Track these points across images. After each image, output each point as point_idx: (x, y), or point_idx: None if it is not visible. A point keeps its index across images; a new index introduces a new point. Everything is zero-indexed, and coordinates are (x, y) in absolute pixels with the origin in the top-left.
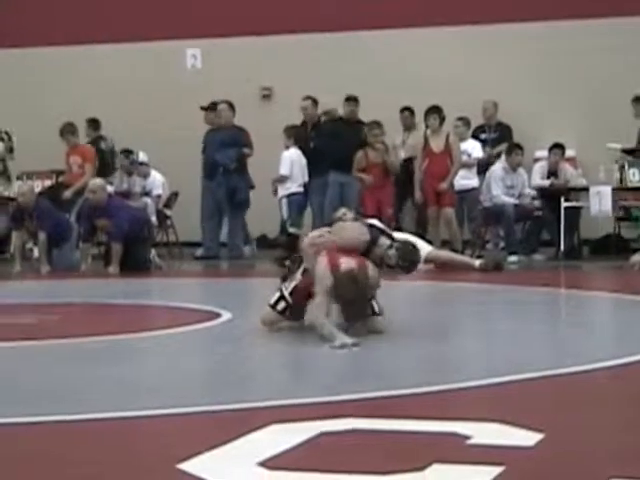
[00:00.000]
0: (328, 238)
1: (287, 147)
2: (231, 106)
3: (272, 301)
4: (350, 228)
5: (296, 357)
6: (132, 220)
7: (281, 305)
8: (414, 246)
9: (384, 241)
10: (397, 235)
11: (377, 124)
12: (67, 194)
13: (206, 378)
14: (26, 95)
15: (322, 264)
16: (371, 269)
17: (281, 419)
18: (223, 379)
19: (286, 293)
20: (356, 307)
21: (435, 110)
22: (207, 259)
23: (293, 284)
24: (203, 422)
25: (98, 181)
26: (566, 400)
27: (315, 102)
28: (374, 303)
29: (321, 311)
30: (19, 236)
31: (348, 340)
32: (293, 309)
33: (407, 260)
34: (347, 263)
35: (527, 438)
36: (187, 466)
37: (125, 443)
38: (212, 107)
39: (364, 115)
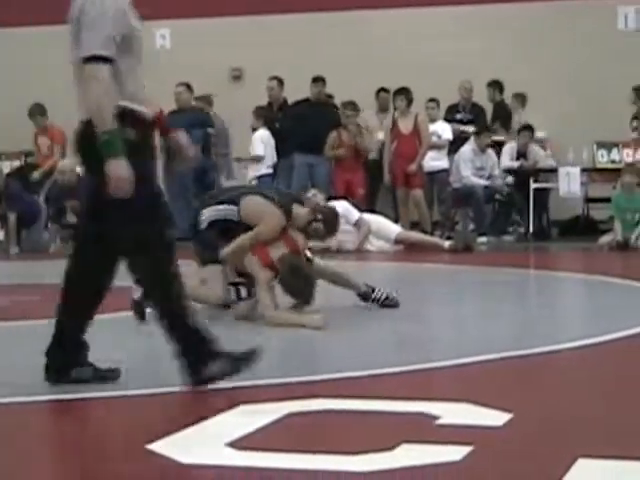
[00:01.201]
0: (244, 239)
1: (254, 128)
2: (189, 87)
3: (234, 296)
4: (268, 217)
5: (263, 339)
6: None
7: (243, 291)
8: (334, 210)
9: (301, 211)
10: (367, 216)
11: (351, 104)
12: (35, 175)
13: (173, 360)
14: None
15: (254, 263)
16: (301, 242)
17: (249, 400)
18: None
19: (237, 279)
20: (308, 288)
21: (402, 92)
22: (180, 241)
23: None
24: (171, 403)
25: (67, 162)
26: (534, 380)
27: (281, 82)
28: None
29: (271, 308)
30: None
31: (317, 320)
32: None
33: (333, 225)
34: (277, 250)
35: (496, 418)
36: (156, 447)
37: (93, 423)
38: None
39: (338, 97)
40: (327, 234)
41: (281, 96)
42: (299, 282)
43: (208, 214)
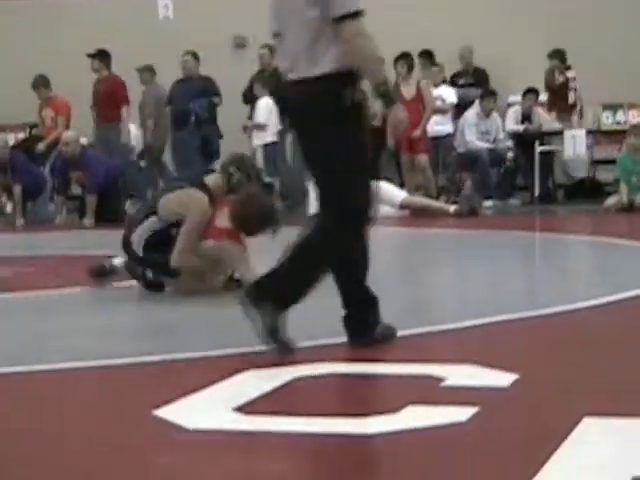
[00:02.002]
0: (183, 236)
1: (257, 96)
2: (195, 56)
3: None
4: (190, 203)
5: None
6: (106, 172)
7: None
8: (241, 155)
9: (215, 178)
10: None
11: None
12: (40, 147)
13: (180, 326)
14: None
15: (215, 246)
16: None
17: (256, 365)
18: (197, 327)
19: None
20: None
21: (403, 57)
22: None
23: None
24: (178, 369)
25: (71, 133)
26: (540, 341)
27: (272, 50)
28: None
29: (185, 251)
30: None
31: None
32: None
33: (251, 168)
34: (222, 218)
35: (501, 379)
36: (163, 412)
37: (99, 391)
38: (101, 54)
39: None
40: (248, 180)
41: (272, 63)
42: (253, 210)
43: (138, 237)
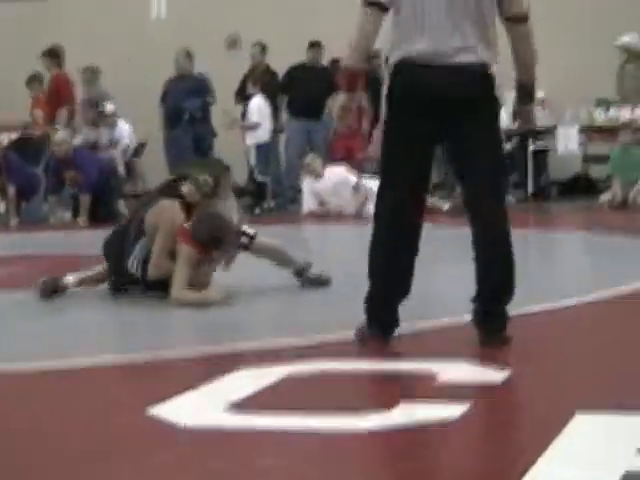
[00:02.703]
0: (159, 242)
1: (250, 95)
2: (188, 55)
3: None
4: (163, 212)
5: (260, 305)
6: (100, 171)
7: None
8: (207, 162)
9: (182, 185)
10: (366, 180)
11: None
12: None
13: (173, 325)
14: None
15: (181, 248)
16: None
17: (249, 363)
18: (189, 326)
19: None
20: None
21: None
22: None
23: None
24: (171, 368)
25: (63, 134)
26: (532, 337)
27: (264, 49)
28: None
29: (180, 287)
30: None
31: (219, 295)
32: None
33: (216, 167)
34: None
35: (493, 375)
36: (157, 411)
37: (92, 389)
38: (51, 53)
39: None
40: (215, 177)
41: (264, 62)
42: (205, 226)
43: (133, 263)
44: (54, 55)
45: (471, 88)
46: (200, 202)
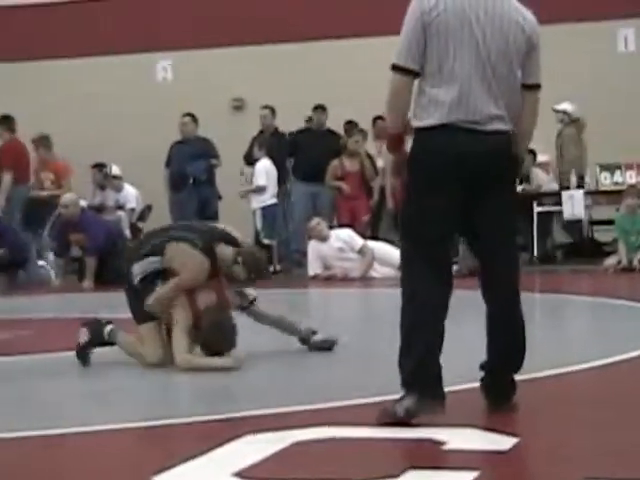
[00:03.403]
0: (166, 288)
1: (256, 159)
2: (193, 118)
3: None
4: (190, 264)
5: (266, 370)
6: (106, 234)
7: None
8: (257, 253)
9: (225, 252)
10: (371, 244)
11: (359, 130)
12: (43, 194)
13: (179, 391)
14: None
15: (181, 302)
16: (231, 295)
17: (254, 429)
18: (195, 392)
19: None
20: (227, 343)
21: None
22: None
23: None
24: (177, 434)
25: (71, 196)
26: (540, 403)
27: (273, 111)
28: None
29: (183, 351)
30: None
31: (231, 361)
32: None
33: (255, 270)
34: (206, 297)
35: (501, 442)
36: (162, 479)
37: (99, 457)
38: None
39: (336, 125)
40: (247, 280)
41: (273, 124)
42: (218, 338)
43: (139, 269)
44: (5, 121)
45: (501, 155)
46: (228, 277)
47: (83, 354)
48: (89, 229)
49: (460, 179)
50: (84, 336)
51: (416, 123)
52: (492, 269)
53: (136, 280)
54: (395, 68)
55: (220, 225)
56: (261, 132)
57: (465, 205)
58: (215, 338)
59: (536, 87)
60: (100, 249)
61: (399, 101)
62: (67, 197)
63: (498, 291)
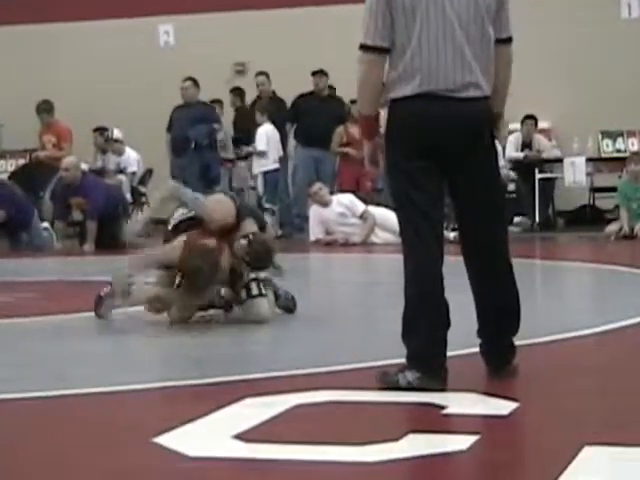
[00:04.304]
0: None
1: (258, 123)
2: (195, 83)
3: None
4: (219, 209)
5: (265, 335)
6: (107, 198)
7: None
8: (265, 248)
9: (247, 225)
10: (372, 209)
11: None
12: (42, 154)
13: (179, 354)
14: None
15: (177, 243)
16: (225, 258)
17: (255, 392)
18: (197, 354)
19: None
20: (198, 284)
21: None
22: None
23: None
24: (177, 397)
25: (71, 159)
26: (540, 369)
27: (268, 76)
28: (253, 285)
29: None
30: None
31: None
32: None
33: (253, 259)
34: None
35: (502, 407)
36: (162, 440)
37: (100, 417)
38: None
39: (342, 91)
40: (242, 259)
41: (270, 90)
42: (197, 264)
43: (176, 216)
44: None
45: (478, 121)
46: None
47: (100, 305)
48: (89, 193)
49: (438, 146)
50: (107, 289)
51: (389, 95)
52: (472, 234)
53: (169, 226)
54: (364, 47)
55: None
56: (258, 98)
57: (445, 171)
58: (193, 260)
59: (508, 40)
60: (100, 213)
61: (371, 81)
62: (67, 160)
63: (477, 256)
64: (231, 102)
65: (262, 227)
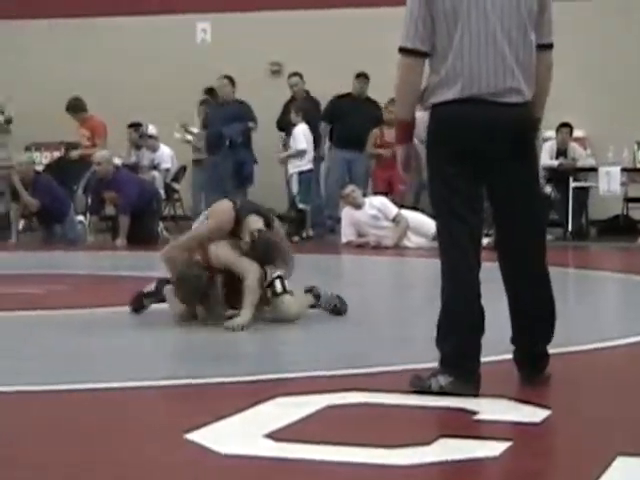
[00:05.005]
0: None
1: (294, 123)
2: (231, 81)
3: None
4: (217, 213)
5: (296, 335)
6: (140, 193)
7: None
8: (272, 245)
9: (251, 221)
10: (405, 213)
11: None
12: (74, 154)
13: (214, 350)
14: (37, 65)
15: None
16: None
17: (287, 392)
18: (230, 352)
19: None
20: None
21: None
22: None
23: None
24: (210, 394)
25: (104, 153)
26: (574, 377)
27: (301, 77)
28: (277, 283)
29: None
30: (15, 208)
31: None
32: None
33: (258, 254)
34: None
35: (534, 414)
36: (194, 436)
37: (133, 413)
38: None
39: (376, 93)
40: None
41: (303, 90)
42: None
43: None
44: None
45: (520, 126)
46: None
47: (139, 301)
48: (122, 187)
49: (478, 150)
50: (150, 287)
51: (431, 100)
52: (509, 239)
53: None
54: (403, 51)
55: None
56: (293, 98)
57: (485, 176)
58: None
59: (549, 47)
60: (133, 208)
61: (410, 85)
62: (100, 154)
63: (513, 261)
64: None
65: (268, 223)
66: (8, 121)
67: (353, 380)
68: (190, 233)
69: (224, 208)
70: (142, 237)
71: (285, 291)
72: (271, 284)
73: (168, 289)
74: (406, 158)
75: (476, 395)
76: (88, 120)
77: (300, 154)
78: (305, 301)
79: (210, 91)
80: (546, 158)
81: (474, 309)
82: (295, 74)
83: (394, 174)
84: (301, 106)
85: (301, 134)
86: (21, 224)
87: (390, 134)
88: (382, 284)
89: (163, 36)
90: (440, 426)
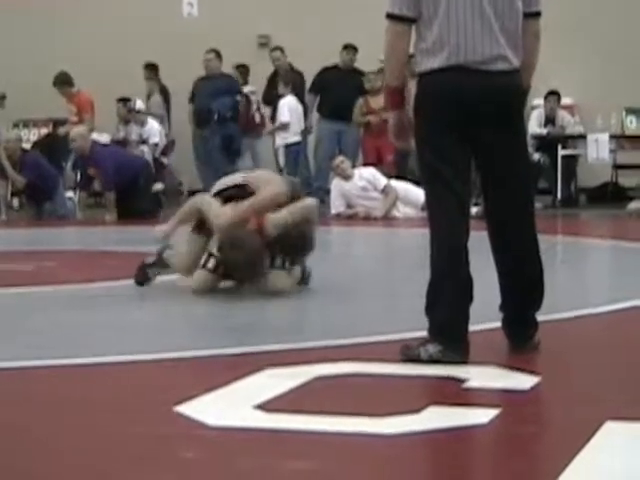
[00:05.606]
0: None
1: (280, 95)
2: (218, 55)
3: (202, 262)
4: (273, 186)
5: (286, 307)
6: (117, 168)
7: (211, 263)
8: (293, 245)
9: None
10: (394, 183)
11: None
12: (62, 130)
13: (201, 324)
14: (24, 42)
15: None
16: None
17: (277, 363)
18: (218, 325)
19: (214, 250)
20: (242, 272)
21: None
22: None
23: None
24: (199, 366)
25: (79, 129)
26: (562, 344)
27: (282, 51)
28: (278, 258)
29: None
30: (3, 185)
31: None
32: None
33: (285, 247)
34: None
35: (523, 381)
36: (184, 409)
37: (122, 386)
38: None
39: (367, 64)
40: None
41: (286, 63)
42: (237, 256)
43: (217, 186)
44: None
45: (508, 93)
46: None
47: (143, 273)
48: (99, 164)
49: (466, 118)
50: (151, 258)
51: (418, 68)
52: (498, 207)
53: (212, 193)
54: (390, 17)
55: None
56: (276, 72)
57: (473, 145)
58: (233, 254)
59: (536, 15)
60: (116, 183)
61: (397, 51)
62: (75, 131)
63: (502, 229)
64: None
65: (296, 197)
66: (2, 97)
67: (343, 351)
68: (249, 202)
69: (279, 180)
70: (131, 212)
71: (283, 267)
72: (273, 256)
73: (170, 254)
74: (399, 124)
75: (465, 363)
76: (75, 96)
77: (283, 127)
78: (294, 275)
79: (150, 66)
80: (534, 126)
81: (463, 277)
82: (277, 48)
83: (383, 144)
84: (289, 78)
85: (285, 107)
86: (15, 202)
87: (375, 101)
88: (371, 255)
89: (149, 9)
90: (429, 394)
